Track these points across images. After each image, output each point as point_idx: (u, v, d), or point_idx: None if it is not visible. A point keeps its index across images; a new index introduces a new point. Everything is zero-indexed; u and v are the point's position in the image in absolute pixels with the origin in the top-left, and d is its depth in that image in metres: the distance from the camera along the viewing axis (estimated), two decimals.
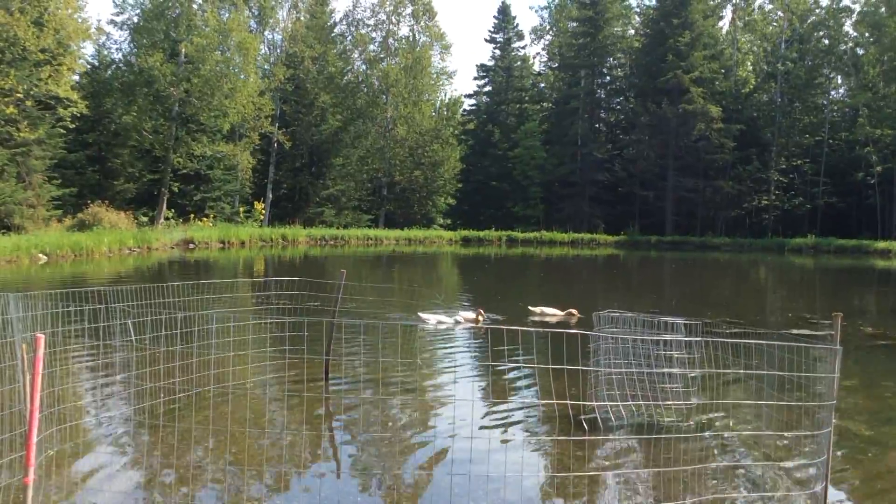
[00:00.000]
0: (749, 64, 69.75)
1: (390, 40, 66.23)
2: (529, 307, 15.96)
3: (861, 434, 7.63)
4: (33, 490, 4.11)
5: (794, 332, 13.60)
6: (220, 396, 7.93)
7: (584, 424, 7.34)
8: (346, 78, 65.66)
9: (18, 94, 35.28)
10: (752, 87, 66.58)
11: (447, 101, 78.47)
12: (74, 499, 5.43)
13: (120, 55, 52.86)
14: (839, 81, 68.12)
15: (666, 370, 7.54)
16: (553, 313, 15.33)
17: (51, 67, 37.13)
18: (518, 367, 10.27)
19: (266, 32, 60.11)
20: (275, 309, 13.53)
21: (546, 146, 66.37)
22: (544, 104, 75.05)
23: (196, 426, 7.02)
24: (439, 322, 13.86)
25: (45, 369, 4.28)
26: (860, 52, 63.57)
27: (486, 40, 76.11)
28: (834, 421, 5.21)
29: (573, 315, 15.02)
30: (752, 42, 70.68)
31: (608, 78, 71.62)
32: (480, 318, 14.25)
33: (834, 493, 5.78)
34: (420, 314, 14.37)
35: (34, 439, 3.97)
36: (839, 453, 6.83)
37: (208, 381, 7.94)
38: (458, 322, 13.99)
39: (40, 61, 36.74)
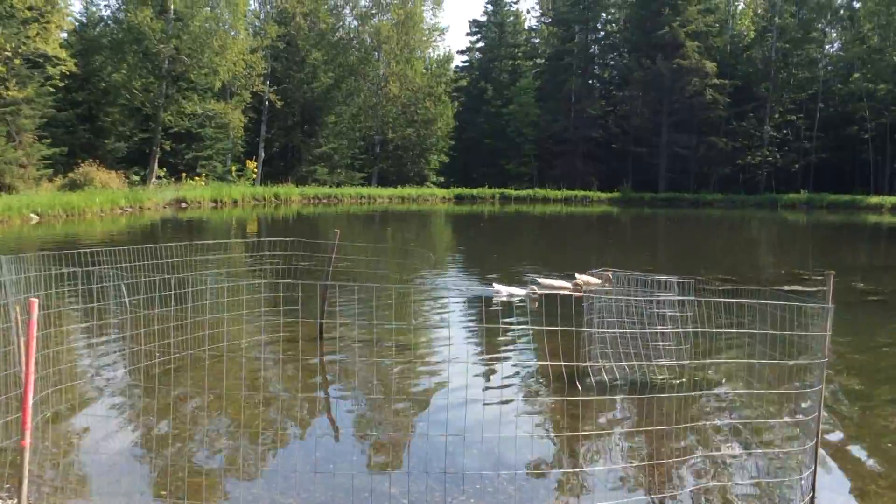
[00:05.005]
0: (745, 19, 69.03)
1: None
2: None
3: (852, 389, 7.71)
4: (30, 452, 4.13)
5: (787, 288, 13.67)
6: (215, 358, 7.95)
7: (578, 384, 7.39)
8: (337, 34, 64.73)
9: (6, 52, 34.87)
10: (747, 41, 66.02)
11: (439, 57, 77.68)
12: (71, 459, 5.47)
13: (108, 12, 52.24)
14: (834, 35, 67.57)
15: (659, 329, 7.57)
16: (560, 285, 13.57)
17: (39, 25, 36.63)
18: (512, 329, 10.31)
19: None
20: (268, 270, 13.50)
21: (539, 103, 65.92)
22: (538, 60, 74.33)
23: (191, 388, 7.05)
24: (510, 295, 12.68)
25: (39, 331, 4.28)
26: (856, 5, 62.95)
27: None
28: (826, 376, 5.25)
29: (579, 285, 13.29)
30: None
31: (602, 33, 70.95)
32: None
33: (825, 449, 5.84)
34: (495, 285, 13.11)
35: (30, 402, 3.98)
36: (830, 409, 6.90)
37: (202, 342, 7.95)
38: (533, 289, 12.77)
39: (28, 19, 36.21)
